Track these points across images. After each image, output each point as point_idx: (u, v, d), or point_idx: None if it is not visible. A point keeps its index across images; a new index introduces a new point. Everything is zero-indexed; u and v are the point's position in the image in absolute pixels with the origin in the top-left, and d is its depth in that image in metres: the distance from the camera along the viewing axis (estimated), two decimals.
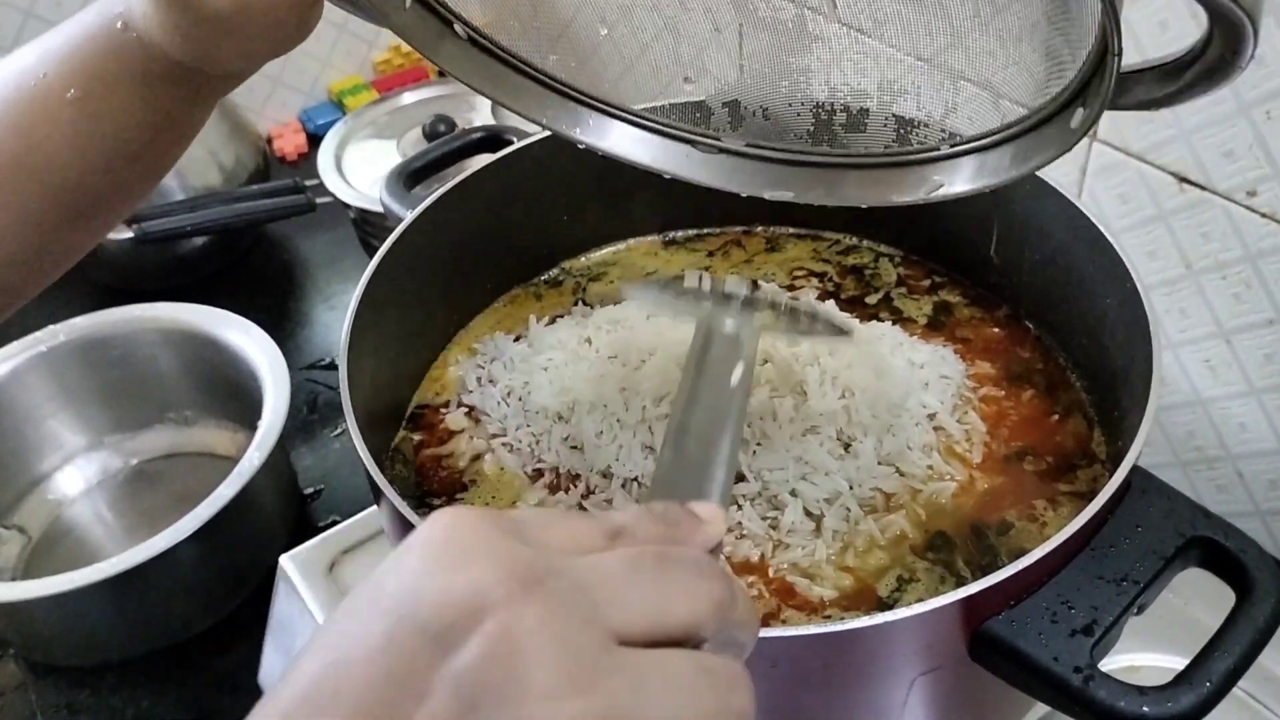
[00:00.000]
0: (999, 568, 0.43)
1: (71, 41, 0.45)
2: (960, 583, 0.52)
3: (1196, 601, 0.63)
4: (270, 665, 0.71)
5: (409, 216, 0.62)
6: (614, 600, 0.26)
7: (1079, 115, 0.43)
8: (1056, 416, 0.60)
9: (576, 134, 0.54)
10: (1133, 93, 0.42)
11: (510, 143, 0.68)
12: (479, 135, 0.78)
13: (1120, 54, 0.38)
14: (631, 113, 0.54)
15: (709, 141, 0.53)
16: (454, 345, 0.68)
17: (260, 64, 0.45)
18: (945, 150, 0.49)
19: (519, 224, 0.69)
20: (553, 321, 0.67)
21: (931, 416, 0.57)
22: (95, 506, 0.85)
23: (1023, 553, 0.43)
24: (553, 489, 0.57)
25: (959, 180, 0.49)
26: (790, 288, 0.69)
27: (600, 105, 0.54)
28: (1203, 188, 0.65)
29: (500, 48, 0.52)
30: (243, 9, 0.41)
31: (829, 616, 0.51)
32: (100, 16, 0.44)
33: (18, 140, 0.45)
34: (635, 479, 0.55)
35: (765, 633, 0.41)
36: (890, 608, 0.50)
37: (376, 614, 0.25)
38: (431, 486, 0.59)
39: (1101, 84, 0.40)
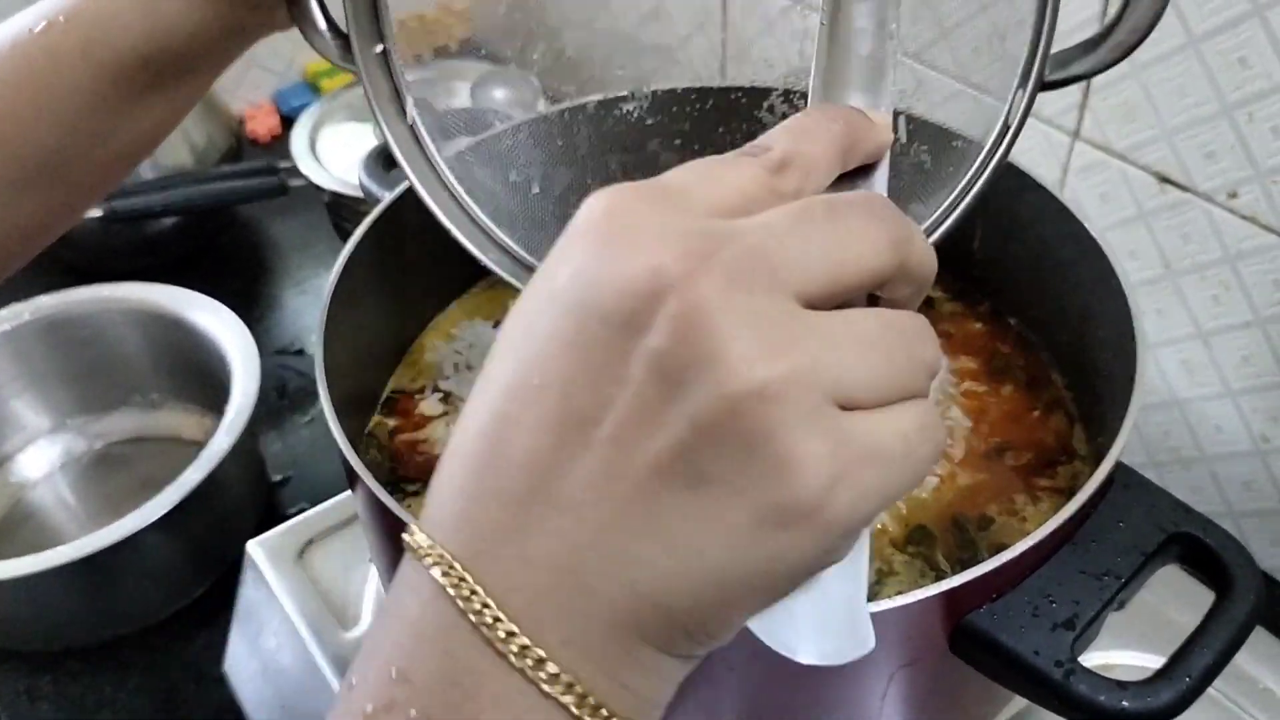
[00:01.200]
0: (979, 562, 0.43)
1: None
2: (940, 576, 0.51)
3: (1172, 602, 0.63)
4: (236, 653, 0.70)
5: (388, 198, 0.61)
6: (791, 261, 0.25)
7: (1019, 101, 0.43)
8: (1038, 412, 0.60)
9: (484, 258, 0.53)
10: (1067, 65, 0.42)
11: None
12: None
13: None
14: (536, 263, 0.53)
15: None
16: (431, 330, 0.67)
17: (226, 27, 0.45)
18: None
19: None
20: None
21: None
22: (58, 490, 0.84)
23: (1003, 547, 0.43)
24: None
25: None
26: None
27: (510, 248, 0.53)
28: (1184, 188, 0.66)
29: (431, 152, 0.51)
30: None
31: None
32: None
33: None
34: None
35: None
36: (870, 600, 0.50)
37: (559, 310, 0.25)
38: (407, 472, 0.58)
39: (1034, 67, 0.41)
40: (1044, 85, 0.42)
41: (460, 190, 0.52)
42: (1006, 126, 0.43)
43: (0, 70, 0.43)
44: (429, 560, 0.25)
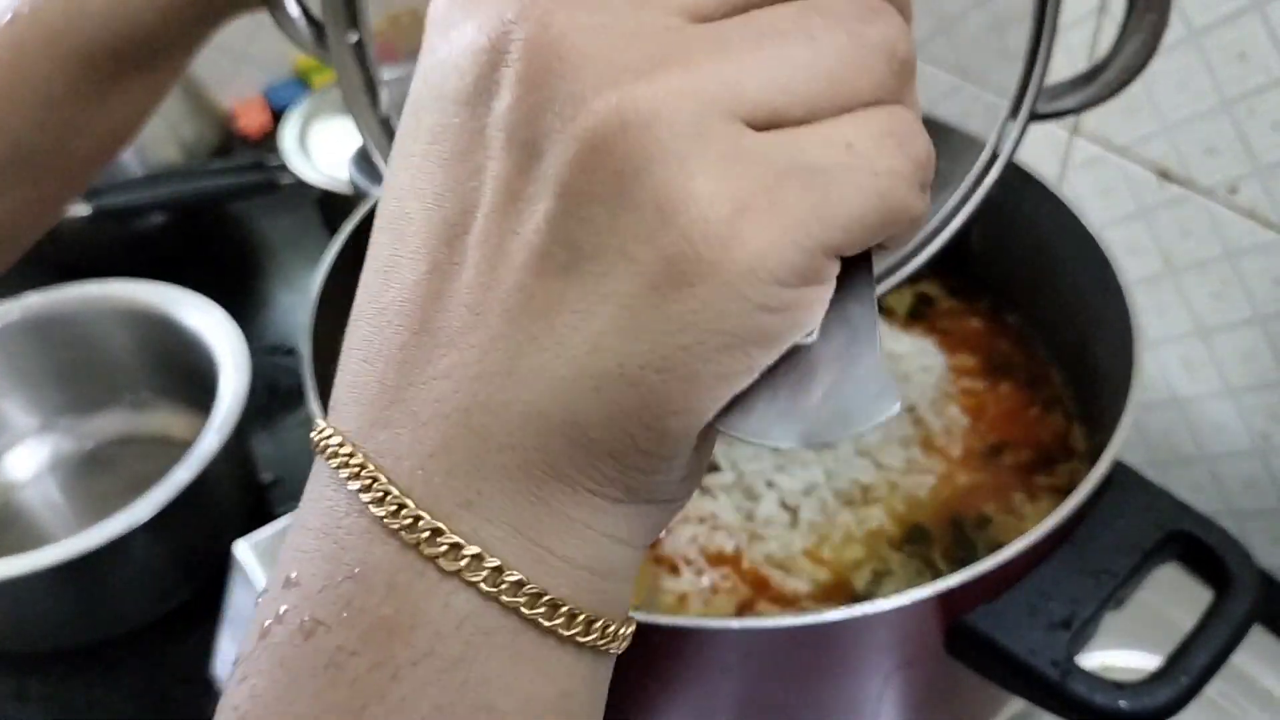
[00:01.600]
0: (976, 561, 0.42)
1: None
2: (937, 576, 0.51)
3: (1171, 600, 0.63)
4: (225, 655, 0.69)
5: (378, 193, 0.60)
6: None
7: (1010, 133, 0.43)
8: (1036, 410, 0.59)
9: None
10: (1061, 98, 0.42)
11: None
12: None
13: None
14: None
15: None
16: None
17: (194, 13, 0.44)
18: None
19: None
20: None
21: (911, 409, 0.57)
22: (46, 490, 0.83)
23: (1000, 546, 0.43)
24: None
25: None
26: None
27: None
28: (1183, 184, 0.65)
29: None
30: None
31: (804, 609, 0.50)
32: None
33: None
34: None
35: (738, 625, 0.40)
36: (866, 601, 0.50)
37: (419, 114, 0.21)
38: None
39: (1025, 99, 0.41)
40: (1034, 117, 0.41)
41: None
42: (995, 155, 0.43)
43: None
44: (321, 447, 0.21)
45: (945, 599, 0.42)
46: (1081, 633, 0.44)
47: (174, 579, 0.74)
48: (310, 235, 1.05)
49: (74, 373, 0.83)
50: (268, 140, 1.18)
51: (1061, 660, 0.42)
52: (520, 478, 0.20)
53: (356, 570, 0.20)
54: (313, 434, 0.22)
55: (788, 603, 0.50)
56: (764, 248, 0.18)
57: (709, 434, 0.21)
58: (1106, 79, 0.40)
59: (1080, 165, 0.70)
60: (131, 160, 0.97)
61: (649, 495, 0.21)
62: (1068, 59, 0.47)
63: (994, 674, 0.44)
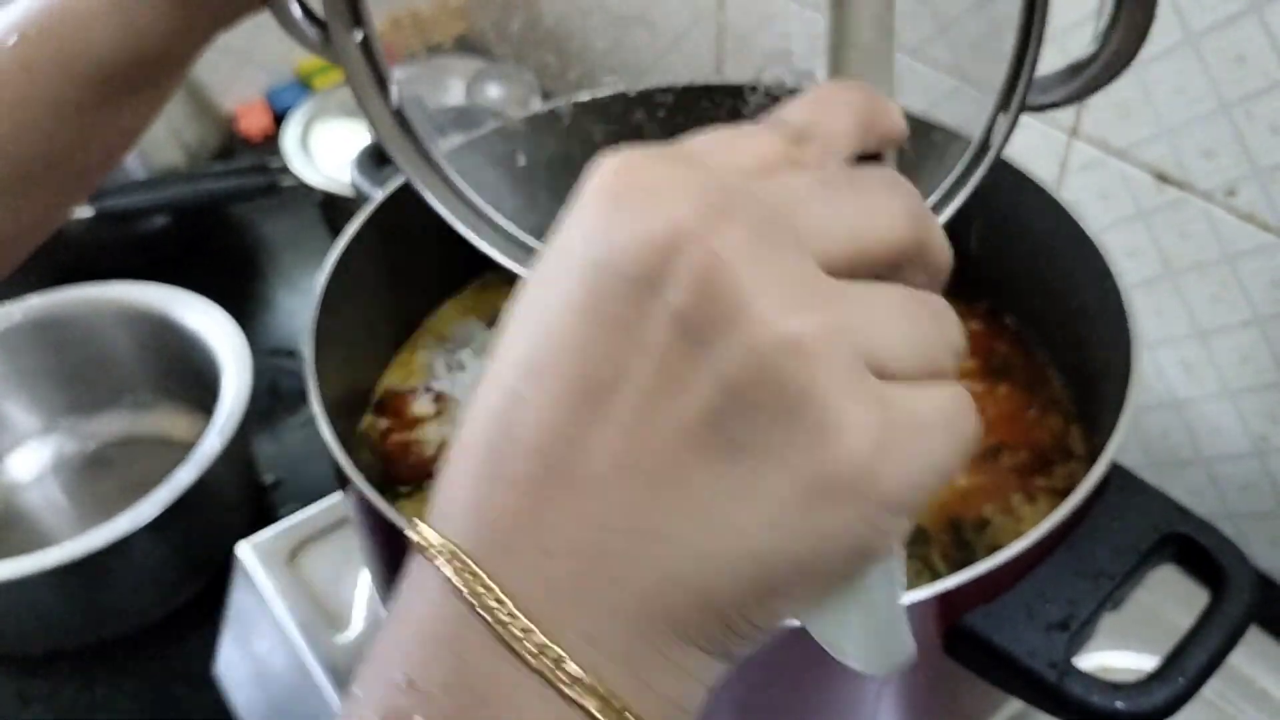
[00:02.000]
0: (975, 562, 0.42)
1: None
2: (935, 577, 0.51)
3: (1168, 602, 0.63)
4: (228, 656, 0.70)
5: (380, 195, 0.61)
6: (814, 223, 0.23)
7: (1000, 126, 0.43)
8: (1034, 412, 0.59)
9: (476, 239, 0.52)
10: (1050, 90, 0.43)
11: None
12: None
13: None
14: (532, 240, 0.53)
15: None
16: (423, 331, 0.66)
17: (201, 26, 0.44)
18: None
19: None
20: None
21: None
22: (49, 491, 0.83)
23: (999, 548, 0.43)
24: None
25: None
26: None
27: (501, 225, 0.53)
28: (1182, 187, 0.65)
29: (418, 137, 0.51)
30: None
31: None
32: None
33: None
34: None
35: None
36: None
37: (572, 274, 0.23)
38: (398, 473, 0.58)
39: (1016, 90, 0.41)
40: (1025, 109, 0.42)
41: (453, 174, 0.51)
42: (987, 147, 0.43)
43: None
44: (437, 556, 0.23)
45: (943, 600, 0.42)
46: (1079, 634, 0.44)
47: (176, 580, 0.74)
48: (312, 237, 1.06)
49: (76, 374, 0.84)
50: (269, 143, 1.19)
51: (1059, 661, 0.42)
52: (644, 625, 0.22)
53: (479, 685, 0.23)
54: (413, 535, 0.24)
55: None
56: (897, 487, 0.22)
57: None
58: (1093, 72, 0.41)
59: (1079, 168, 0.71)
60: (134, 163, 0.97)
61: (737, 654, 0.24)
62: (1065, 60, 0.48)
63: (992, 675, 0.44)
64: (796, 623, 0.25)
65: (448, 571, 0.23)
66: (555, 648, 0.22)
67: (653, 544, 0.22)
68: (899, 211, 0.24)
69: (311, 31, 0.46)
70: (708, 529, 0.22)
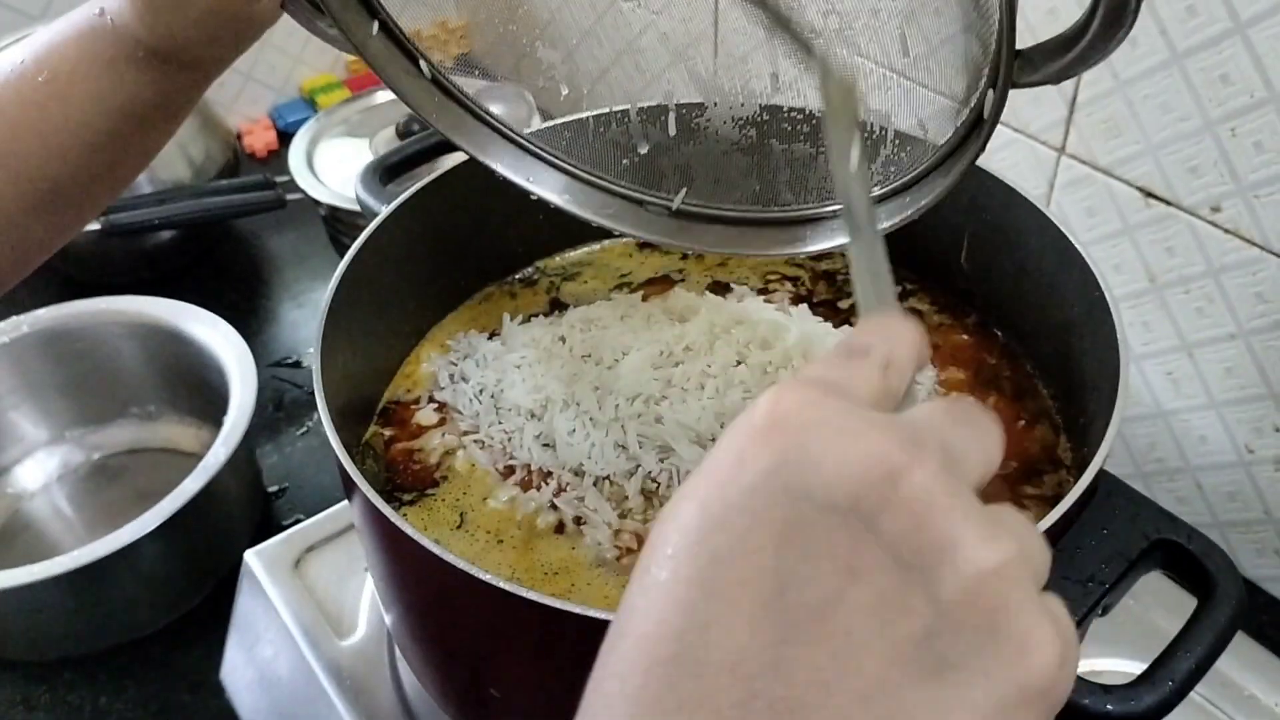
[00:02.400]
0: None
1: (55, 30, 0.46)
2: None
3: (1156, 609, 0.64)
4: (233, 662, 0.70)
5: (385, 211, 0.62)
6: (963, 455, 0.26)
7: (990, 100, 0.45)
8: (1024, 423, 0.60)
9: (529, 184, 0.56)
10: (1038, 68, 0.44)
11: None
12: None
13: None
14: (585, 170, 0.56)
15: (658, 203, 0.56)
16: (426, 342, 0.68)
17: (225, 53, 0.46)
18: (877, 193, 0.53)
19: (495, 222, 0.69)
20: (527, 320, 0.67)
21: None
22: (55, 501, 0.84)
23: None
24: (524, 486, 0.57)
25: (891, 215, 0.53)
26: (763, 291, 0.70)
27: (556, 161, 0.56)
28: (1168, 202, 0.67)
29: (462, 92, 0.54)
30: None
31: None
32: (87, 6, 0.45)
33: None
34: (607, 477, 0.55)
35: None
36: None
37: (760, 501, 0.24)
38: (402, 481, 0.59)
39: (1001, 64, 0.43)
40: (1014, 85, 0.44)
41: (502, 122, 0.55)
42: (980, 120, 0.45)
43: (10, 111, 0.45)
44: None
45: None
46: None
47: (181, 588, 0.75)
48: (316, 251, 1.07)
49: (84, 386, 0.85)
50: (274, 159, 1.20)
51: None
52: None
53: None
54: None
55: None
56: (1066, 688, 0.24)
57: None
58: (1080, 49, 0.42)
59: (1067, 184, 0.72)
60: (141, 179, 0.98)
61: None
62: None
63: None
64: None
65: None
66: None
67: None
68: (996, 436, 0.27)
69: (333, 31, 0.49)
70: None
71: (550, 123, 0.59)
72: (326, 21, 0.50)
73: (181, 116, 0.49)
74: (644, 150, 0.56)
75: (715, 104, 0.54)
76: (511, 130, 0.55)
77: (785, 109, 0.55)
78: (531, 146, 0.56)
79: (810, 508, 0.23)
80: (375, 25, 0.50)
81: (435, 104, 0.54)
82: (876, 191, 0.53)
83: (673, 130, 0.55)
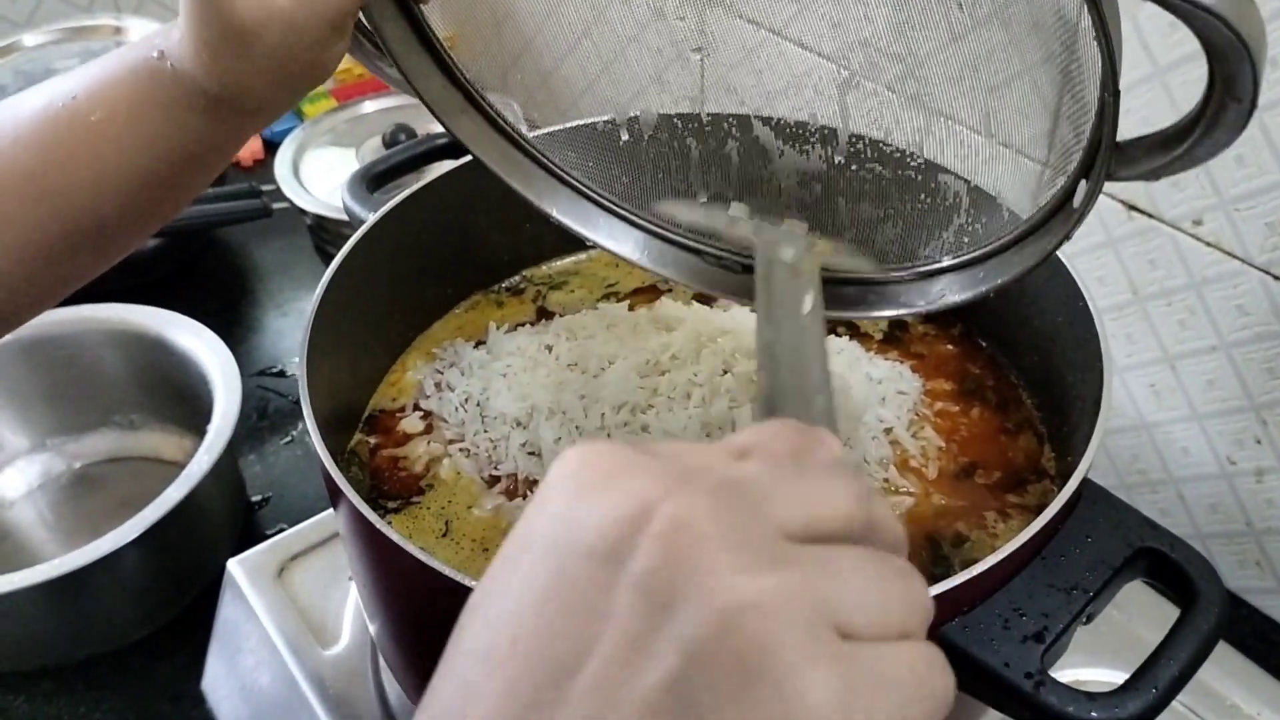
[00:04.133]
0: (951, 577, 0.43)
1: (108, 68, 0.45)
2: None
3: (1139, 619, 0.65)
4: (214, 672, 0.70)
5: (371, 219, 0.62)
6: (769, 495, 0.24)
7: (1081, 191, 0.43)
8: (1008, 433, 0.61)
9: (586, 232, 0.56)
10: (1137, 163, 0.42)
11: None
12: (444, 140, 0.78)
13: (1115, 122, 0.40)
14: (642, 219, 0.56)
15: (713, 254, 0.55)
16: (412, 350, 0.68)
17: (289, 97, 0.45)
18: (948, 262, 0.51)
19: (482, 230, 0.69)
20: (513, 329, 0.67)
21: (888, 431, 0.58)
22: (36, 509, 0.83)
23: (975, 563, 0.44)
24: (510, 494, 0.57)
25: (963, 289, 0.51)
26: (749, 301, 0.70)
27: (614, 207, 0.56)
28: (1150, 215, 0.67)
29: (519, 134, 0.54)
30: (268, 21, 0.40)
31: None
32: (142, 47, 0.44)
33: (36, 157, 0.44)
34: None
35: None
36: None
37: (536, 557, 0.24)
38: (387, 489, 0.59)
39: (1099, 156, 0.41)
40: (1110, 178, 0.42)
41: (569, 173, 0.55)
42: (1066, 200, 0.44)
43: (62, 148, 0.44)
44: None
45: None
46: (1054, 646, 0.45)
47: (163, 596, 0.75)
48: (301, 260, 1.07)
49: (66, 394, 0.84)
50: (260, 168, 1.20)
51: (1035, 671, 0.43)
52: None
53: None
54: None
55: None
56: None
57: None
58: (1181, 150, 0.40)
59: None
60: None
61: None
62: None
63: (969, 686, 0.45)
64: None
65: None
66: None
67: None
68: (844, 488, 0.25)
69: (391, 71, 0.50)
70: None
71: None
72: (387, 62, 0.50)
73: (232, 155, 0.48)
74: (703, 200, 0.55)
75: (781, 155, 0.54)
76: (576, 179, 0.55)
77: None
78: (596, 196, 0.55)
79: (574, 559, 0.23)
80: (438, 70, 0.50)
81: (489, 144, 0.54)
82: (948, 261, 0.51)
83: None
